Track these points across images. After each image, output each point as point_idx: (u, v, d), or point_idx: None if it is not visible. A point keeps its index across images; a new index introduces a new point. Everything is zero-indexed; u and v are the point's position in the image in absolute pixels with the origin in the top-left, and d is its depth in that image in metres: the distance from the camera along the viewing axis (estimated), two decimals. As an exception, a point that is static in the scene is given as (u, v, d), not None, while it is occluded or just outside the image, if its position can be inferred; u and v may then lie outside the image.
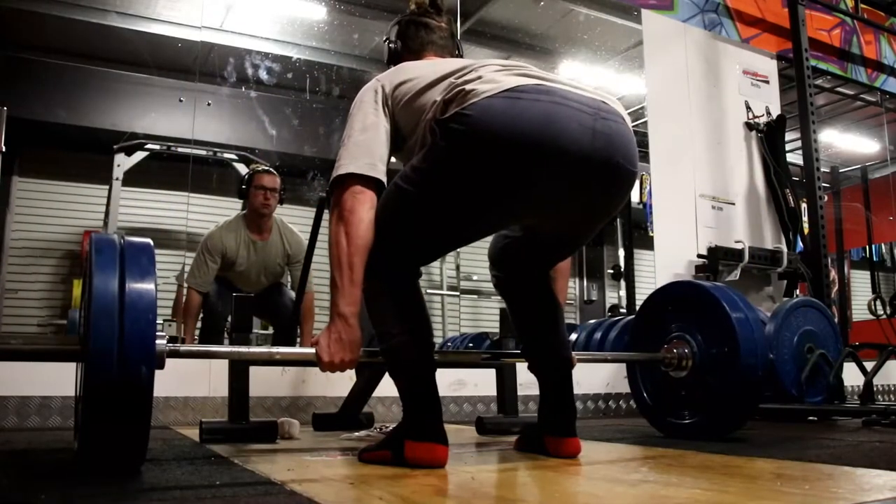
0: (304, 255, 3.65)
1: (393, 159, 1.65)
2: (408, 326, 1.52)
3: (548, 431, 1.67)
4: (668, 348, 2.10)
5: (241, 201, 3.66)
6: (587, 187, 1.47)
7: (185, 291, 3.59)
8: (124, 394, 1.20)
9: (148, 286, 1.27)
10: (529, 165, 1.39)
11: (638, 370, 2.29)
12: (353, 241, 1.48)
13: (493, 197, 1.44)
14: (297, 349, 1.73)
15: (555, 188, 1.44)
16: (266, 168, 3.68)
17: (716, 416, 2.04)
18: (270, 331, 3.99)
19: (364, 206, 1.51)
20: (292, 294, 3.70)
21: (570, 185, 1.45)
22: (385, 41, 1.87)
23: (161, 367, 1.31)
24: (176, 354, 1.45)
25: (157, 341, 1.28)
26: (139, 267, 1.28)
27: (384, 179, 1.55)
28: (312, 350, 1.53)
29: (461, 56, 1.90)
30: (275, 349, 1.72)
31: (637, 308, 5.53)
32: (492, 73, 1.46)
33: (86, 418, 1.22)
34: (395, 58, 1.84)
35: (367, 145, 1.55)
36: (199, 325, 3.71)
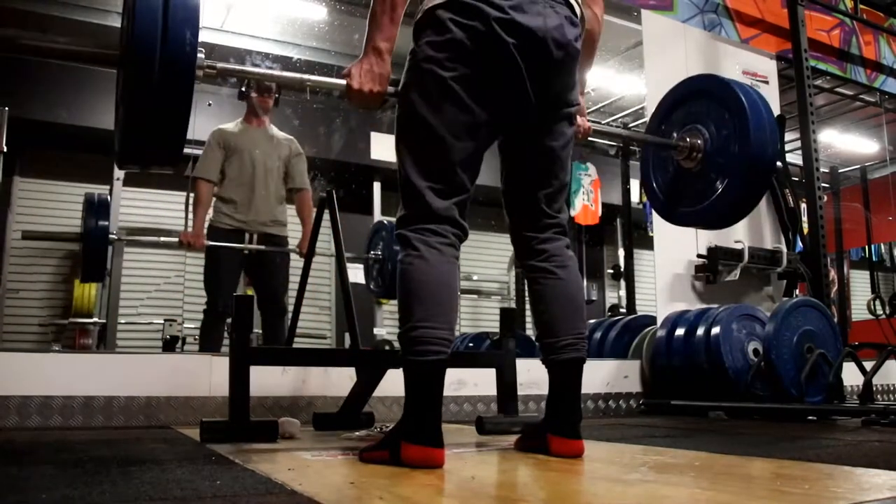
0: (300, 149, 3.83)
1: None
2: (431, 315, 1.51)
3: (552, 430, 1.67)
4: (681, 136, 2.11)
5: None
6: (534, 47, 1.54)
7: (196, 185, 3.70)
8: (163, 98, 1.21)
9: None
10: (479, 28, 1.50)
11: (650, 165, 2.29)
12: None
13: (458, 71, 1.53)
14: (327, 79, 1.73)
15: (508, 52, 1.52)
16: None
17: (727, 199, 2.05)
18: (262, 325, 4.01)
19: None
20: (288, 277, 3.75)
21: (519, 49, 1.52)
22: None
23: (200, 78, 1.33)
24: (213, 69, 1.54)
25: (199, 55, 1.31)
26: None
27: None
28: (343, 81, 1.63)
29: None
30: (305, 77, 1.78)
31: (638, 309, 5.54)
32: None
33: (126, 119, 1.21)
34: None
35: None
36: (199, 325, 3.71)
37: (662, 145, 2.18)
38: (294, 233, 3.88)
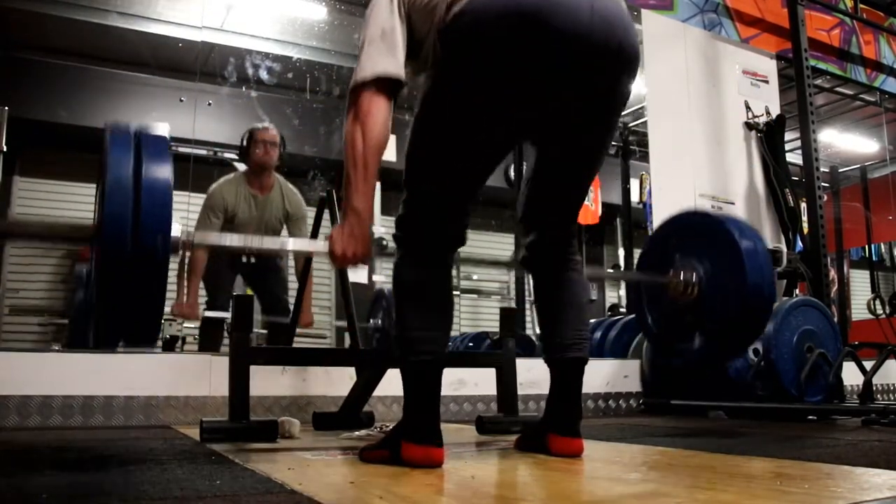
0: (303, 215, 3.73)
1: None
2: (427, 318, 1.53)
3: (552, 429, 1.67)
4: (675, 273, 2.11)
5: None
6: (588, 68, 1.45)
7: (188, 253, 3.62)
8: (138, 274, 1.20)
9: (164, 170, 1.27)
10: (527, 47, 1.40)
11: (644, 299, 2.29)
12: (368, 140, 1.52)
13: (499, 87, 1.45)
14: (310, 242, 1.71)
15: (555, 71, 1.43)
16: (265, 125, 3.77)
17: (721, 340, 2.05)
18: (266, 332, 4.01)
19: (381, 108, 1.54)
20: (287, 280, 3.75)
21: (570, 66, 1.43)
22: None
23: (176, 252, 1.32)
24: (191, 243, 1.51)
25: (174, 227, 1.30)
26: (156, 149, 1.28)
27: (403, 79, 1.57)
28: (324, 246, 1.59)
29: None
30: (289, 240, 1.76)
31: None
32: None
33: (100, 300, 1.21)
34: None
35: (385, 48, 1.56)
36: (198, 325, 3.72)
37: (655, 283, 2.18)
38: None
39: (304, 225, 3.71)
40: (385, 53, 1.55)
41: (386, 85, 1.54)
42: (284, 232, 3.76)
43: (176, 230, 1.32)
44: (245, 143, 3.64)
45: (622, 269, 6.46)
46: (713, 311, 2.04)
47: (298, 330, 3.13)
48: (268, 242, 1.87)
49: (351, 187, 1.54)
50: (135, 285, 1.21)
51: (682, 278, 2.07)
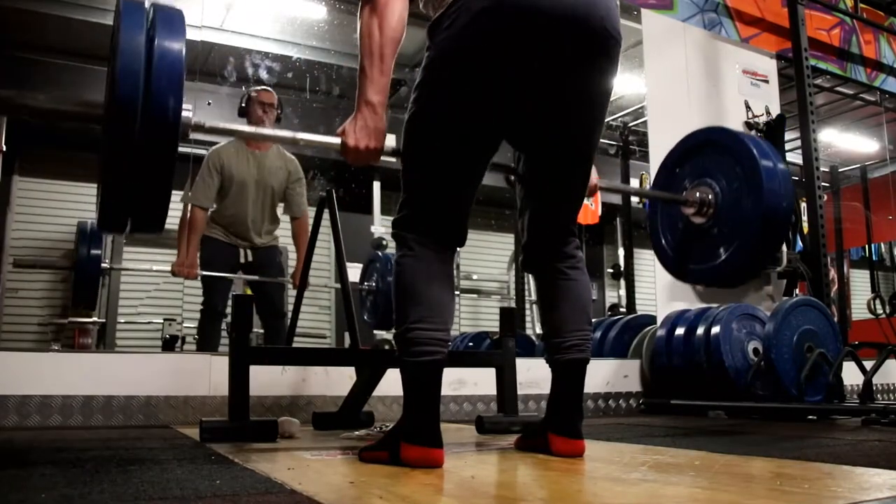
0: (301, 174, 3.74)
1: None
2: (427, 318, 1.51)
3: (553, 430, 1.67)
4: (690, 192, 2.06)
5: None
6: (570, 52, 1.48)
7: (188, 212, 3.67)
8: (147, 157, 1.17)
9: (178, 46, 1.24)
10: (513, 26, 1.43)
11: (659, 220, 2.24)
12: (385, 31, 1.53)
13: (488, 73, 1.47)
14: (320, 137, 1.68)
15: (542, 50, 1.46)
16: (264, 87, 3.82)
17: (739, 258, 2.00)
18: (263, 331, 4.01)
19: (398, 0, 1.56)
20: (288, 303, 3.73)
21: (552, 44, 1.46)
22: None
23: (185, 138, 1.30)
24: (200, 129, 1.48)
25: (184, 112, 1.27)
26: (170, 27, 1.25)
27: None
28: (338, 139, 1.58)
29: None
30: (299, 135, 1.74)
31: (638, 308, 5.54)
32: None
33: (106, 184, 1.19)
34: None
35: None
36: (198, 324, 3.71)
37: (672, 201, 2.13)
38: (286, 236, 3.89)
39: (303, 185, 3.80)
40: None
41: None
42: (284, 220, 3.79)
43: (187, 114, 1.29)
44: (244, 103, 3.70)
45: (622, 269, 6.46)
46: (729, 233, 1.99)
47: (298, 330, 3.12)
48: (280, 133, 1.80)
49: (366, 79, 1.54)
50: (143, 168, 1.18)
51: (697, 197, 2.03)
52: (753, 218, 1.92)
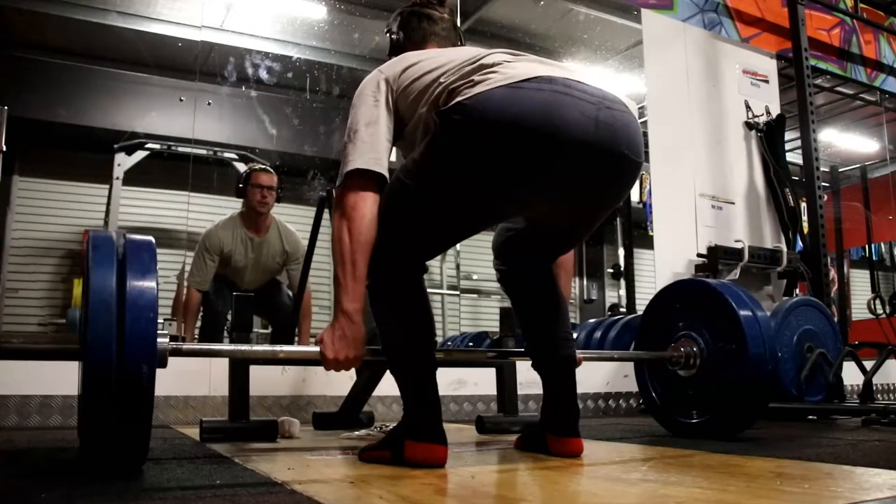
0: (302, 255, 3.66)
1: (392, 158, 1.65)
2: (410, 325, 1.53)
3: (550, 430, 1.67)
4: (675, 346, 2.09)
5: (241, 200, 3.67)
6: (590, 178, 1.46)
7: (185, 290, 3.60)
8: (125, 393, 1.19)
9: (149, 284, 1.25)
10: (529, 155, 1.39)
11: (646, 370, 2.28)
12: (355, 237, 1.48)
13: (493, 188, 1.44)
14: (300, 347, 1.67)
15: (556, 178, 1.44)
16: (263, 167, 3.70)
17: (726, 413, 2.04)
18: (269, 329, 3.99)
19: (367, 203, 1.50)
20: (290, 292, 3.72)
21: (572, 175, 1.44)
22: (387, 32, 1.86)
23: (163, 365, 1.31)
24: (178, 353, 1.44)
25: (159, 339, 1.28)
26: (140, 264, 1.26)
27: (387, 175, 1.54)
28: (316, 348, 1.52)
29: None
30: (278, 347, 1.72)
31: (638, 308, 5.54)
32: (501, 63, 1.45)
33: (86, 418, 1.22)
34: (397, 49, 1.82)
35: (370, 141, 1.54)
36: (198, 324, 3.71)
37: (658, 359, 2.17)
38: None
39: (300, 266, 3.67)
40: (368, 148, 1.52)
41: (370, 179, 1.51)
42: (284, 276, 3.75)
43: (162, 341, 1.30)
44: (242, 184, 3.58)
45: (622, 269, 6.46)
46: (715, 385, 2.03)
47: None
48: (259, 348, 1.82)
49: (340, 288, 1.48)
50: (120, 407, 1.20)
51: (682, 351, 2.07)
52: (740, 367, 1.98)
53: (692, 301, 2.15)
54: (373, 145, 1.54)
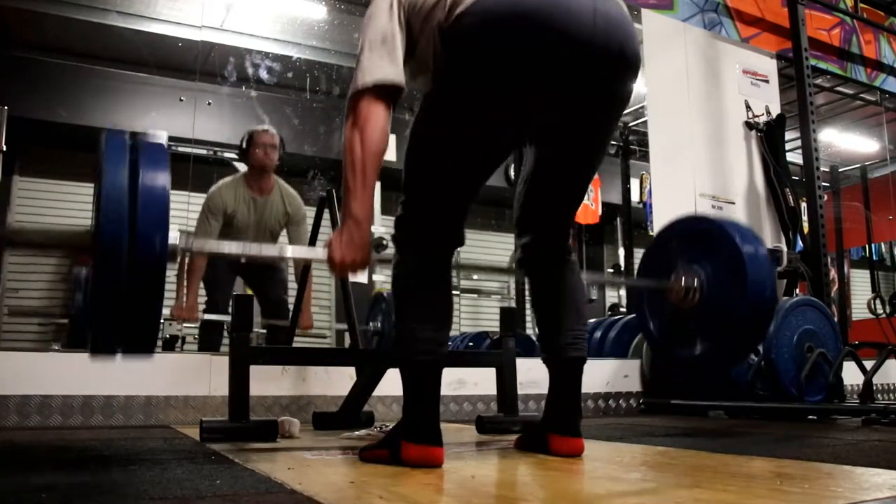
0: (303, 217, 3.71)
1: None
2: (426, 318, 1.53)
3: (552, 429, 1.67)
4: (676, 279, 2.09)
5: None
6: (590, 71, 1.47)
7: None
8: (136, 280, 1.19)
9: (161, 180, 1.26)
10: (529, 50, 1.41)
11: (645, 304, 2.27)
12: (367, 146, 1.51)
13: (502, 94, 1.46)
14: (309, 249, 1.66)
15: (561, 74, 1.45)
16: (265, 127, 3.75)
17: (725, 343, 2.03)
18: (267, 331, 4.00)
19: (380, 115, 1.53)
20: (285, 281, 3.75)
21: (572, 68, 1.45)
22: None
23: (174, 259, 1.31)
24: (188, 250, 1.47)
25: (171, 235, 1.29)
26: (153, 157, 1.27)
27: (403, 86, 1.56)
28: (324, 251, 1.57)
29: None
30: (287, 247, 1.74)
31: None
32: None
33: (97, 308, 1.21)
34: None
35: (386, 54, 1.55)
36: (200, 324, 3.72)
37: (657, 289, 2.16)
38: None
39: (304, 225, 3.70)
40: (386, 59, 1.54)
41: (386, 91, 1.54)
42: (284, 238, 3.75)
43: (173, 237, 1.32)
44: (245, 144, 3.62)
45: (622, 269, 6.46)
46: (715, 317, 2.03)
47: (298, 330, 3.13)
48: (266, 249, 1.85)
49: (350, 194, 1.53)
50: (132, 294, 1.20)
51: (682, 284, 2.07)
52: (739, 308, 1.97)
53: (695, 235, 2.16)
54: (390, 56, 1.55)
